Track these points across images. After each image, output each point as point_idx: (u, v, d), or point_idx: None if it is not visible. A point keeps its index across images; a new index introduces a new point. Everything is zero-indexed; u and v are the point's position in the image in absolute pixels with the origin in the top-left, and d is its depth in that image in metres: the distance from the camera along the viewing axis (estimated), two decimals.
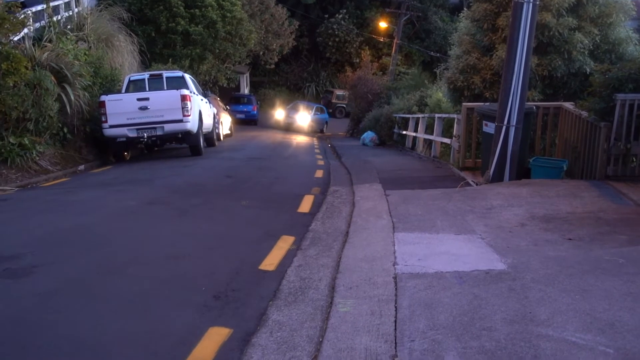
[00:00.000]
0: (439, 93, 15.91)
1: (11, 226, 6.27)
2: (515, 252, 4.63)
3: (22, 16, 11.92)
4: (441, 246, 4.91)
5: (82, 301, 3.92)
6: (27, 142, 10.21)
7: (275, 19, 31.93)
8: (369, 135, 20.44)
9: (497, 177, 7.89)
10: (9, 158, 9.87)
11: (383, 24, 37.90)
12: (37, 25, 14.49)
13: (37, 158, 10.51)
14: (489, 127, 8.35)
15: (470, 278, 4.01)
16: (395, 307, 3.55)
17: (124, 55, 17.34)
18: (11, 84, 10.01)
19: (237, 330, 3.39)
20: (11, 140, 9.99)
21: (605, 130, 7.32)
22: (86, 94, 12.36)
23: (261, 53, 31.17)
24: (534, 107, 8.80)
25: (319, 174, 10.89)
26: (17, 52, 10.59)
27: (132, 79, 14.01)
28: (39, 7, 15.16)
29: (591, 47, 10.75)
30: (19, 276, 4.40)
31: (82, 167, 11.64)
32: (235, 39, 24.84)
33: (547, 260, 4.36)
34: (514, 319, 3.26)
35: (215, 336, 3.32)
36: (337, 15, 40.56)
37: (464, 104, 10.35)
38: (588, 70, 10.46)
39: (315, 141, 22.63)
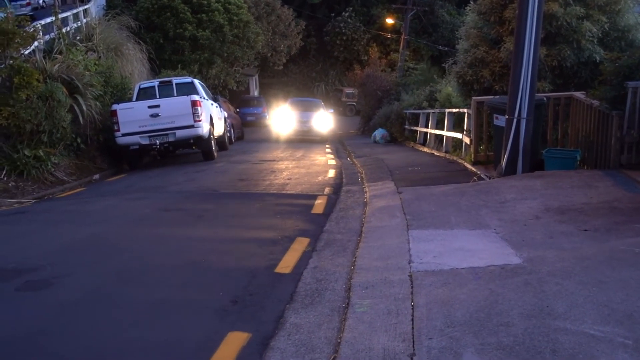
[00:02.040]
0: (448, 87, 15.82)
1: (30, 238, 6.35)
2: (530, 246, 4.62)
3: (32, 29, 12.09)
4: (456, 242, 4.91)
5: (101, 311, 3.98)
6: (42, 154, 10.34)
7: (281, 20, 32.01)
8: (379, 133, 20.37)
9: (510, 170, 7.86)
10: (25, 171, 10.01)
11: (390, 20, 37.70)
12: (47, 37, 14.71)
13: (53, 169, 10.64)
14: (500, 120, 8.31)
15: (486, 273, 4.00)
16: (412, 305, 3.56)
17: (133, 63, 17.51)
18: (24, 98, 10.15)
19: (256, 335, 3.43)
20: (26, 152, 10.13)
21: (618, 119, 7.26)
22: (98, 103, 12.48)
23: (269, 55, 31.25)
24: (545, 99, 8.75)
25: (332, 173, 10.91)
26: (28, 65, 10.74)
27: (142, 86, 14.15)
28: (48, 20, 15.39)
29: (600, 35, 10.63)
30: (39, 288, 4.47)
31: (97, 176, 11.76)
32: (242, 41, 24.95)
33: (563, 253, 4.34)
34: (531, 314, 3.25)
35: (235, 341, 3.35)
36: (343, 13, 40.56)
37: (473, 97, 10.31)
38: (598, 58, 10.34)
39: (326, 140, 22.62)
